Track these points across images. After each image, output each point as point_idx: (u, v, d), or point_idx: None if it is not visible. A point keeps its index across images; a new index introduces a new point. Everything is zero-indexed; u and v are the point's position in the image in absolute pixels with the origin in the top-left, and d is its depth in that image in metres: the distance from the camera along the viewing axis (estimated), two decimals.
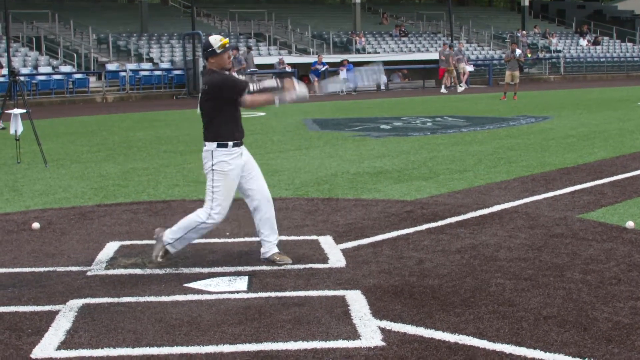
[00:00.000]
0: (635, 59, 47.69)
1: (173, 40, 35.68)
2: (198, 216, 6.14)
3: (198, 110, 6.25)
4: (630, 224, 7.38)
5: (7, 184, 10.51)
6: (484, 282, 5.70)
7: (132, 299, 5.46)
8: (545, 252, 6.54)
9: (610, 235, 7.09)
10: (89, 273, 6.14)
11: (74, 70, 31.25)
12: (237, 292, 5.58)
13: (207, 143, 6.11)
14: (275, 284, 5.78)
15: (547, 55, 45.01)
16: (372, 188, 9.71)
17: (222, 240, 7.06)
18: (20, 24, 33.59)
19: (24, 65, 30.01)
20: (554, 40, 47.42)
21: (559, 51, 45.93)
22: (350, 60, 34.09)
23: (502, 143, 14.10)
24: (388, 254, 6.56)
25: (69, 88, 29.67)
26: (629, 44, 50.52)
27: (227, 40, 6.12)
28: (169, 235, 6.24)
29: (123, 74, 31.45)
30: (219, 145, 6.06)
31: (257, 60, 33.12)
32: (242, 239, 7.10)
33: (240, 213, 7.41)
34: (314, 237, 7.17)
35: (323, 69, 33.58)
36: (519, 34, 45.14)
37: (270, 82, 6.12)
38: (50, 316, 5.11)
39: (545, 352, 4.40)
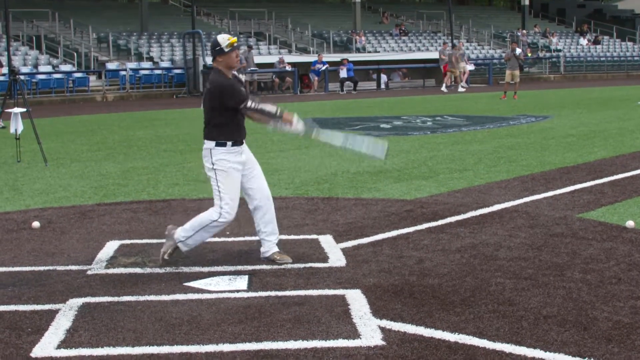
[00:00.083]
0: (636, 58, 47.68)
1: (173, 39, 35.68)
2: (210, 214, 6.16)
3: (201, 106, 6.28)
4: (630, 223, 7.38)
5: (7, 183, 10.51)
6: (484, 282, 5.71)
7: (132, 298, 5.46)
8: (545, 251, 6.54)
9: (610, 234, 7.09)
10: (89, 272, 6.14)
11: (74, 69, 31.25)
12: (237, 291, 5.58)
13: (206, 141, 6.14)
14: (275, 283, 5.78)
15: (547, 54, 45.01)
16: (372, 187, 9.72)
17: (222, 239, 7.06)
18: (21, 22, 33.60)
19: (24, 64, 30.01)
20: (554, 40, 47.42)
21: (559, 50, 45.92)
22: (350, 59, 34.11)
23: (502, 142, 14.10)
24: (388, 253, 6.56)
25: (69, 87, 29.67)
26: (629, 43, 50.51)
27: (235, 39, 6.12)
28: (181, 233, 6.24)
29: (123, 73, 31.45)
30: (217, 144, 6.08)
31: (257, 59, 33.11)
32: (242, 238, 7.11)
33: (240, 212, 7.40)
34: (314, 236, 7.17)
35: (323, 68, 33.57)
36: (519, 33, 45.14)
37: (271, 108, 6.10)
38: (51, 315, 5.11)
39: (545, 351, 4.40)
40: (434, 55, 37.37)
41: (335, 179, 10.40)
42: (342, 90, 32.89)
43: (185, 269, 6.17)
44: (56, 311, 5.19)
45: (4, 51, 28.45)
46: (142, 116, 22.07)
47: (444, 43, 37.52)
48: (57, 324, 4.93)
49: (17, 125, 12.39)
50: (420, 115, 20.34)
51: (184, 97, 30.42)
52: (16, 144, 12.48)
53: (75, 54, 32.34)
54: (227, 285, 5.74)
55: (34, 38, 32.95)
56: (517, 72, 26.20)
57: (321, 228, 7.51)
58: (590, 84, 36.51)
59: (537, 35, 48.36)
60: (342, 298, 5.38)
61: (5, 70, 22.85)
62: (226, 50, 6.04)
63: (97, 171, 11.47)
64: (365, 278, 5.85)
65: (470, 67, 35.27)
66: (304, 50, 38.65)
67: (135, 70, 31.62)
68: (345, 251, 6.63)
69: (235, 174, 6.13)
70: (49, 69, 30.33)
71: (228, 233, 7.23)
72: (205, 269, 6.16)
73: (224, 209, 6.11)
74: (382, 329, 4.77)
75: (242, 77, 6.23)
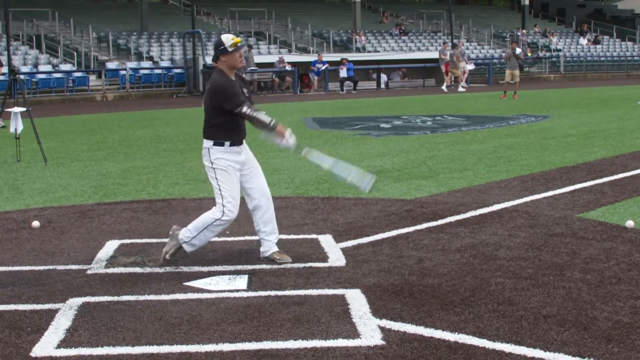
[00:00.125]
0: (635, 58, 47.67)
1: (173, 39, 35.68)
2: (213, 213, 6.17)
3: (202, 105, 6.30)
4: (630, 223, 7.38)
5: (7, 183, 10.51)
6: (483, 281, 5.70)
7: (131, 297, 5.46)
8: (545, 251, 6.54)
9: (610, 234, 7.09)
10: (88, 271, 6.14)
11: (74, 68, 31.24)
12: (237, 290, 5.58)
13: (205, 140, 6.17)
14: (275, 282, 5.78)
15: (547, 54, 45.01)
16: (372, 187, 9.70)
17: (222, 239, 7.06)
18: (21, 22, 33.59)
19: (24, 64, 30.00)
20: (554, 39, 47.41)
21: (559, 50, 45.92)
22: (350, 59, 34.11)
23: (502, 142, 14.10)
24: (388, 252, 6.56)
25: (69, 86, 29.66)
26: (629, 43, 50.51)
27: (239, 39, 6.14)
28: (185, 234, 6.24)
29: (123, 72, 31.45)
30: (215, 144, 6.11)
31: (257, 58, 33.10)
32: (241, 238, 7.11)
33: (240, 212, 7.40)
34: (313, 236, 7.17)
35: (323, 67, 33.57)
36: (519, 33, 45.14)
37: (265, 118, 6.09)
38: (50, 314, 5.11)
39: (545, 351, 4.40)
40: (434, 55, 37.36)
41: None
42: (342, 90, 32.89)
43: (185, 269, 6.17)
44: (56, 311, 5.19)
45: (4, 51, 28.45)
46: (142, 116, 22.07)
47: (444, 43, 37.49)
48: (57, 324, 4.93)
49: (17, 125, 12.39)
50: (420, 115, 20.34)
51: (184, 97, 30.42)
52: (16, 144, 12.48)
53: (75, 53, 32.33)
54: (226, 284, 5.74)
55: (34, 37, 32.95)
56: (517, 72, 26.20)
57: (321, 228, 7.51)
58: (590, 84, 36.51)
59: (537, 35, 48.36)
60: (342, 298, 5.38)
61: (5, 69, 22.85)
62: (230, 50, 6.05)
63: (97, 171, 11.47)
64: (365, 278, 5.85)
65: (471, 66, 35.26)
66: (304, 50, 38.65)
67: (135, 70, 31.62)
68: (345, 251, 6.63)
69: (233, 172, 6.14)
70: (49, 68, 30.33)
71: (228, 232, 7.23)
72: (205, 269, 6.16)
73: (226, 207, 6.12)
74: (382, 329, 4.76)
75: (241, 97, 6.18)
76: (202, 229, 6.19)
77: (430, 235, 7.16)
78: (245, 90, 6.24)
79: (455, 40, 38.05)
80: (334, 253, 6.56)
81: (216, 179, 6.12)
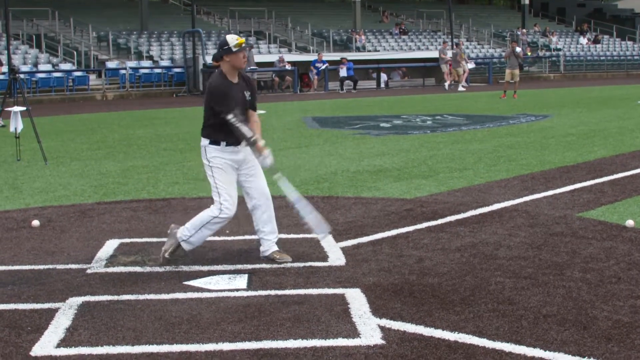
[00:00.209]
0: (635, 57, 47.67)
1: (173, 38, 35.67)
2: (211, 211, 6.19)
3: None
4: (630, 222, 7.38)
5: (7, 182, 10.51)
6: (483, 281, 5.70)
7: (131, 296, 5.46)
8: (545, 250, 6.53)
9: (610, 233, 7.09)
10: (88, 271, 6.14)
11: (74, 68, 31.23)
12: (237, 290, 5.58)
13: (202, 138, 6.22)
14: (275, 282, 5.78)
15: (547, 53, 45.00)
16: (372, 186, 9.71)
17: (221, 238, 7.06)
18: (21, 21, 33.58)
19: (24, 63, 29.99)
20: (554, 39, 47.41)
21: (559, 49, 45.91)
22: (350, 58, 34.11)
23: (502, 141, 14.10)
24: (388, 252, 6.56)
25: (69, 86, 29.66)
26: (629, 43, 50.52)
27: (243, 39, 6.16)
28: (184, 232, 6.27)
29: (123, 71, 31.44)
30: (211, 142, 6.15)
31: (257, 58, 33.08)
32: (241, 237, 7.10)
33: (240, 211, 7.40)
34: (313, 235, 7.16)
35: (323, 67, 33.57)
36: (519, 33, 45.13)
37: (247, 131, 6.06)
38: (50, 314, 5.11)
39: (545, 350, 4.40)
40: (434, 54, 37.35)
41: (335, 177, 10.40)
42: (342, 89, 32.88)
43: (185, 268, 6.17)
44: (56, 310, 5.19)
45: (3, 50, 28.43)
46: (142, 115, 22.06)
47: (444, 42, 37.49)
48: (56, 323, 4.93)
49: (17, 124, 12.39)
50: (420, 114, 20.34)
51: (184, 96, 30.41)
52: (16, 143, 12.48)
53: (75, 52, 32.32)
54: (226, 284, 5.74)
55: (34, 37, 32.93)
56: (517, 71, 26.21)
57: None
58: (590, 83, 36.50)
59: (537, 34, 48.35)
60: (342, 297, 5.38)
61: (5, 69, 22.85)
62: (234, 50, 6.07)
63: (97, 170, 11.47)
64: (364, 277, 5.85)
65: (471, 65, 35.27)
66: (304, 49, 38.64)
67: (135, 69, 31.61)
68: (345, 250, 6.63)
69: (230, 170, 6.16)
70: (48, 67, 30.32)
71: (228, 232, 7.23)
72: (205, 268, 6.16)
73: (223, 205, 6.14)
74: (382, 328, 4.76)
75: (229, 104, 6.16)
76: (199, 227, 6.21)
77: (430, 234, 7.16)
78: (247, 93, 6.22)
79: (455, 40, 38.05)
80: (334, 252, 6.55)
81: (213, 176, 6.17)
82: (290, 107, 24.05)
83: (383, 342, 4.55)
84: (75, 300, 5.37)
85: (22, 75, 21.21)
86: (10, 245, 7.00)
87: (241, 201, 6.37)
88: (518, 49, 26.83)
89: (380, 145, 13.94)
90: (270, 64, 33.63)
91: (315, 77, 33.88)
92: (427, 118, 19.27)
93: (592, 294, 5.37)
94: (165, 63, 33.17)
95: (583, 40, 48.52)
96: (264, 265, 6.21)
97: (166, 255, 6.28)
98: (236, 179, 6.23)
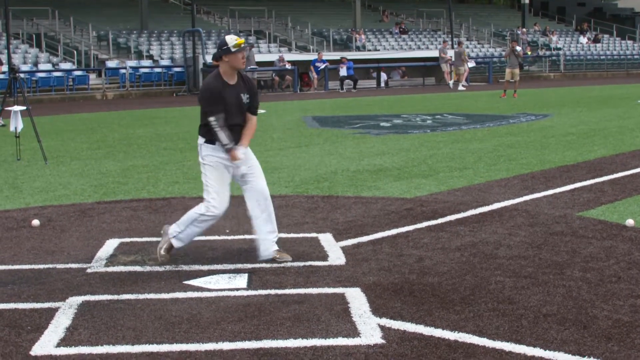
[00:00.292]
0: (635, 56, 47.67)
1: (173, 38, 35.67)
2: (199, 208, 6.25)
3: None
4: (630, 221, 7.38)
5: (7, 181, 10.51)
6: (483, 280, 5.70)
7: (131, 296, 5.46)
8: (545, 249, 6.53)
9: (610, 233, 7.09)
10: (88, 270, 6.14)
11: (74, 67, 31.23)
12: (237, 289, 5.58)
13: (199, 137, 6.25)
14: (275, 281, 5.78)
15: (547, 52, 45.00)
16: (372, 185, 9.71)
17: (221, 237, 7.06)
18: (21, 21, 33.58)
19: (24, 62, 29.99)
20: (554, 38, 47.41)
21: (559, 49, 45.91)
22: (350, 57, 34.10)
23: (502, 141, 14.10)
24: (388, 251, 6.56)
25: (69, 85, 29.66)
26: (629, 42, 50.52)
27: (242, 40, 6.18)
28: (174, 228, 6.34)
29: (123, 71, 31.44)
30: (206, 141, 6.18)
31: (257, 57, 33.07)
32: (241, 237, 7.10)
33: (239, 211, 7.41)
34: (313, 235, 7.17)
35: (323, 66, 33.56)
36: (519, 32, 45.12)
37: (223, 138, 6.04)
38: (50, 313, 5.11)
39: (545, 350, 4.40)
40: (434, 53, 37.36)
41: (335, 177, 10.40)
42: (342, 89, 32.88)
43: (185, 267, 6.17)
44: (56, 309, 5.19)
45: (4, 49, 28.44)
46: (142, 114, 22.06)
47: (444, 41, 37.49)
48: (56, 322, 4.93)
49: (17, 124, 12.39)
50: (420, 114, 20.34)
51: (184, 95, 30.41)
52: (16, 142, 12.48)
53: (75, 52, 32.31)
54: (226, 283, 5.74)
55: (34, 36, 32.93)
56: (517, 71, 26.21)
57: (321, 226, 7.51)
58: (590, 83, 36.50)
59: (537, 33, 48.35)
60: (342, 296, 5.38)
61: (5, 68, 22.85)
62: (233, 50, 6.08)
63: (97, 169, 11.47)
64: (365, 276, 5.85)
65: (472, 64, 35.28)
66: (304, 49, 38.64)
67: (135, 69, 31.61)
68: (345, 249, 6.63)
69: (222, 169, 6.18)
70: (48, 67, 30.32)
71: (228, 231, 7.23)
72: (205, 267, 6.16)
73: (210, 203, 6.18)
74: (382, 328, 4.76)
75: (217, 106, 6.15)
76: (188, 224, 6.27)
77: (430, 233, 7.16)
78: (244, 96, 6.20)
79: (456, 39, 38.04)
80: (334, 252, 6.55)
81: (205, 174, 6.22)
82: (290, 107, 24.05)
83: (383, 341, 4.55)
84: (75, 300, 5.37)
85: (22, 75, 21.22)
86: (10, 245, 7.00)
87: (241, 201, 6.36)
88: (518, 48, 26.83)
89: (380, 144, 13.94)
90: (270, 63, 33.63)
91: (315, 76, 33.87)
92: (427, 117, 19.27)
93: (592, 293, 5.37)
94: (165, 62, 33.18)
95: (583, 40, 48.52)
96: (264, 265, 6.21)
97: (162, 251, 6.31)
98: (230, 178, 6.24)
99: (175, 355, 4.40)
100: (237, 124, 6.18)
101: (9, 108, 12.73)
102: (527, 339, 4.55)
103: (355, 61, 34.67)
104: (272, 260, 6.28)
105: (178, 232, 6.30)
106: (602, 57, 46.01)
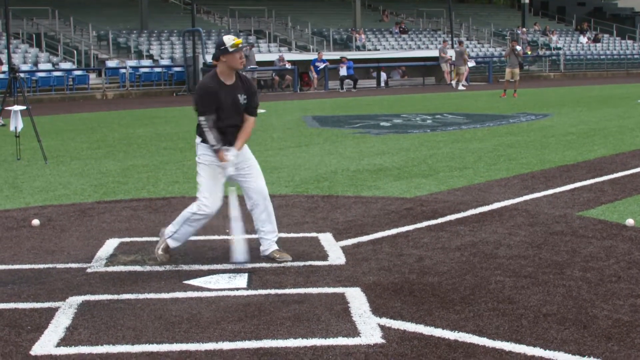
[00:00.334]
0: (636, 56, 47.67)
1: (173, 37, 35.67)
2: (191, 207, 6.28)
3: None
4: (630, 221, 7.38)
5: (7, 181, 10.51)
6: (483, 280, 5.70)
7: (131, 296, 5.46)
8: (545, 249, 6.53)
9: (610, 232, 7.09)
10: (88, 270, 6.14)
11: (74, 67, 31.24)
12: (237, 289, 5.58)
13: (196, 136, 6.28)
14: (275, 281, 5.78)
15: (547, 52, 45.00)
16: (372, 185, 9.71)
17: (221, 237, 7.06)
18: (21, 20, 33.58)
19: (24, 62, 29.99)
20: (554, 38, 47.41)
21: (559, 48, 45.91)
22: (350, 57, 34.10)
23: (502, 140, 14.10)
24: (388, 251, 6.56)
25: (69, 85, 29.66)
26: (629, 42, 50.51)
27: (240, 40, 6.19)
28: (170, 228, 6.38)
29: (123, 70, 31.44)
30: (202, 140, 6.20)
31: (257, 57, 33.08)
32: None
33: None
34: (313, 234, 7.17)
35: (323, 66, 33.56)
36: (519, 31, 45.12)
37: (211, 139, 6.05)
38: (50, 313, 5.11)
39: (545, 349, 4.40)
40: (434, 53, 37.37)
41: (335, 177, 10.40)
42: (342, 88, 32.88)
43: (185, 267, 6.17)
44: (56, 309, 5.19)
45: (4, 49, 28.44)
46: (142, 114, 22.06)
47: (444, 41, 37.48)
48: (56, 322, 4.93)
49: (17, 123, 12.39)
50: (420, 113, 20.33)
51: (184, 95, 30.39)
52: (16, 142, 12.48)
53: (75, 51, 32.32)
54: (226, 283, 5.74)
55: (34, 36, 32.94)
56: (517, 70, 26.22)
57: (321, 226, 7.51)
58: (590, 82, 36.50)
59: (537, 33, 48.34)
60: (342, 296, 5.38)
61: (5, 68, 22.85)
62: (230, 50, 6.08)
63: (97, 169, 11.47)
64: (365, 276, 5.85)
65: (472, 63, 35.28)
66: (304, 48, 38.64)
67: (135, 68, 31.61)
68: (345, 249, 6.63)
69: (217, 168, 6.18)
70: (48, 66, 30.32)
71: (228, 231, 7.23)
72: (205, 267, 6.16)
73: (202, 202, 6.20)
74: (382, 327, 4.76)
75: (210, 107, 6.15)
76: (182, 223, 6.31)
77: (430, 233, 7.16)
78: (241, 97, 6.19)
79: (456, 39, 38.04)
80: (334, 251, 6.55)
81: (199, 173, 6.25)
82: (290, 106, 24.05)
83: (383, 341, 4.55)
84: (75, 300, 5.37)
85: (22, 75, 21.21)
86: (10, 245, 7.00)
87: (241, 201, 6.36)
88: (518, 48, 26.84)
89: (380, 144, 13.94)
90: (270, 63, 33.63)
91: (315, 76, 33.87)
92: (427, 117, 19.27)
93: (592, 293, 5.37)
94: (165, 62, 33.18)
95: (583, 39, 48.51)
96: (264, 265, 6.21)
97: (159, 251, 6.33)
98: (224, 178, 6.25)
99: (175, 355, 4.40)
100: (233, 125, 6.17)
101: (9, 108, 12.73)
102: (527, 339, 4.55)
103: (355, 61, 34.67)
104: (272, 260, 6.29)
105: (173, 232, 6.31)
106: (602, 57, 46.02)
